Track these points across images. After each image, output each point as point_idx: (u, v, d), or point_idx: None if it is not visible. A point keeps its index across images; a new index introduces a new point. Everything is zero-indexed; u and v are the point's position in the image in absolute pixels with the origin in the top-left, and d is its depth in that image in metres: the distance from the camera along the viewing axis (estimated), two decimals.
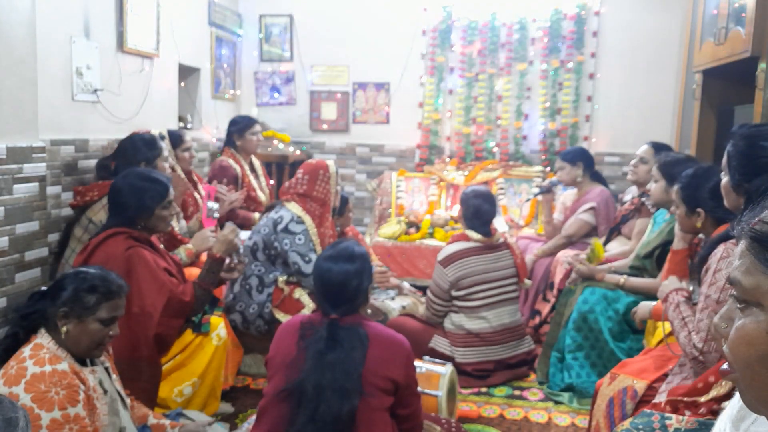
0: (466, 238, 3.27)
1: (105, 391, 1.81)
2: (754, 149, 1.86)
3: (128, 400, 1.98)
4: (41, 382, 1.63)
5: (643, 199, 3.47)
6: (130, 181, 2.49)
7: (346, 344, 1.83)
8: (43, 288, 1.85)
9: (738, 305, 0.81)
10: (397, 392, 1.88)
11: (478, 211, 3.26)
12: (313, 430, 1.75)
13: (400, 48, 5.22)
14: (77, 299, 1.76)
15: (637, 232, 3.44)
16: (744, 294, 0.79)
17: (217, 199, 3.67)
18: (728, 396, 1.64)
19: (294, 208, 3.20)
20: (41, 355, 1.69)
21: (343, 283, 1.91)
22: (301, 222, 3.16)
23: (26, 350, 1.72)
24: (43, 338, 1.75)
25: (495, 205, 3.38)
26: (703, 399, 1.74)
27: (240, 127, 4.21)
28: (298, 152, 5.15)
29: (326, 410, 1.75)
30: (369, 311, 2.07)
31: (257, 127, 4.27)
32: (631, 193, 3.84)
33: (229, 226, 2.61)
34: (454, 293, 3.20)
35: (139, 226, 2.45)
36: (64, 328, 1.75)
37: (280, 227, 3.15)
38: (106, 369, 1.90)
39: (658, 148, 3.48)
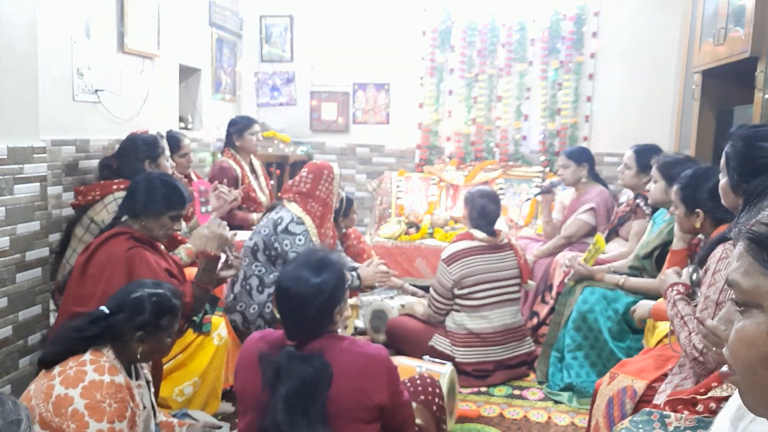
0: (471, 237, 3.28)
1: (144, 407, 1.82)
2: (753, 150, 1.86)
3: (160, 415, 2.00)
4: (98, 391, 1.63)
5: (638, 200, 3.49)
6: (152, 179, 2.51)
7: (305, 379, 1.62)
8: (103, 308, 1.81)
9: (737, 307, 0.80)
10: (383, 411, 1.74)
11: (484, 210, 3.28)
12: None
13: (400, 48, 5.22)
14: (154, 323, 1.79)
15: (633, 234, 3.46)
16: (743, 296, 0.79)
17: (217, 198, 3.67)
18: (727, 397, 1.65)
19: (294, 209, 3.20)
20: (102, 363, 1.70)
21: (304, 304, 1.68)
22: (301, 223, 3.17)
23: (87, 354, 1.72)
24: (103, 346, 1.76)
25: (500, 205, 3.40)
26: (701, 397, 1.75)
27: (239, 127, 4.21)
28: (298, 152, 5.16)
29: None
30: (340, 330, 1.84)
31: (256, 127, 4.27)
32: (626, 195, 3.86)
33: (215, 220, 2.62)
34: (457, 291, 3.21)
35: (142, 223, 2.46)
36: (140, 349, 1.78)
37: (280, 228, 3.15)
38: (148, 383, 1.92)
39: (641, 152, 3.52)
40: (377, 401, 1.69)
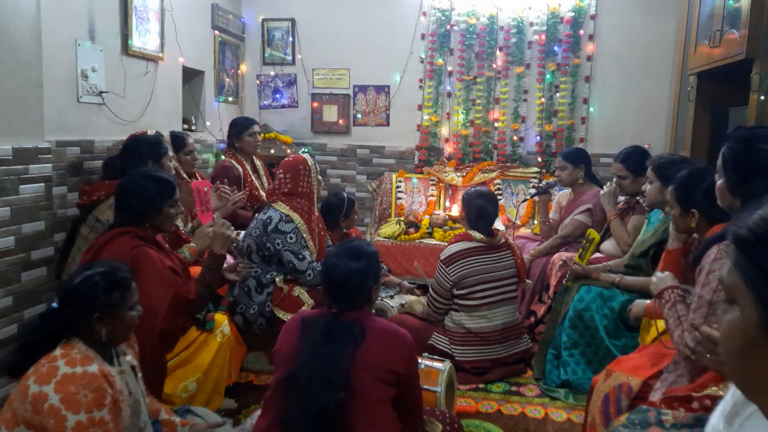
0: (469, 238, 3.30)
1: (130, 393, 1.82)
2: (750, 151, 1.86)
3: (149, 399, 2.01)
4: (71, 384, 1.64)
5: (638, 197, 3.52)
6: (136, 180, 2.49)
7: (339, 339, 1.86)
8: (54, 305, 1.83)
9: (726, 302, 0.85)
10: (399, 384, 1.91)
11: (481, 211, 3.29)
12: (306, 420, 1.79)
13: (400, 51, 5.27)
14: (105, 301, 1.78)
15: (632, 228, 3.48)
16: (726, 291, 0.84)
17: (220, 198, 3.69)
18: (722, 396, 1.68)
19: (282, 208, 3.24)
20: (73, 355, 1.70)
21: (346, 279, 1.95)
22: (290, 221, 3.20)
23: (57, 349, 1.73)
24: (72, 338, 1.77)
25: (497, 205, 3.41)
26: (696, 394, 1.78)
27: (238, 129, 4.24)
28: (298, 153, 5.20)
29: (314, 401, 1.79)
30: (373, 311, 2.08)
31: (255, 128, 4.30)
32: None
33: (218, 220, 2.65)
34: (456, 292, 3.23)
35: (147, 225, 2.49)
36: (103, 330, 1.78)
37: (270, 228, 3.18)
38: (133, 368, 1.92)
39: (629, 155, 3.54)
40: (395, 369, 1.89)
